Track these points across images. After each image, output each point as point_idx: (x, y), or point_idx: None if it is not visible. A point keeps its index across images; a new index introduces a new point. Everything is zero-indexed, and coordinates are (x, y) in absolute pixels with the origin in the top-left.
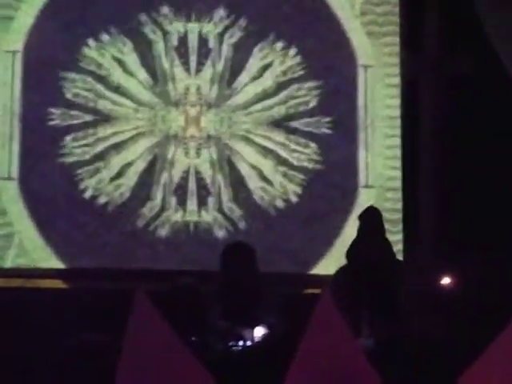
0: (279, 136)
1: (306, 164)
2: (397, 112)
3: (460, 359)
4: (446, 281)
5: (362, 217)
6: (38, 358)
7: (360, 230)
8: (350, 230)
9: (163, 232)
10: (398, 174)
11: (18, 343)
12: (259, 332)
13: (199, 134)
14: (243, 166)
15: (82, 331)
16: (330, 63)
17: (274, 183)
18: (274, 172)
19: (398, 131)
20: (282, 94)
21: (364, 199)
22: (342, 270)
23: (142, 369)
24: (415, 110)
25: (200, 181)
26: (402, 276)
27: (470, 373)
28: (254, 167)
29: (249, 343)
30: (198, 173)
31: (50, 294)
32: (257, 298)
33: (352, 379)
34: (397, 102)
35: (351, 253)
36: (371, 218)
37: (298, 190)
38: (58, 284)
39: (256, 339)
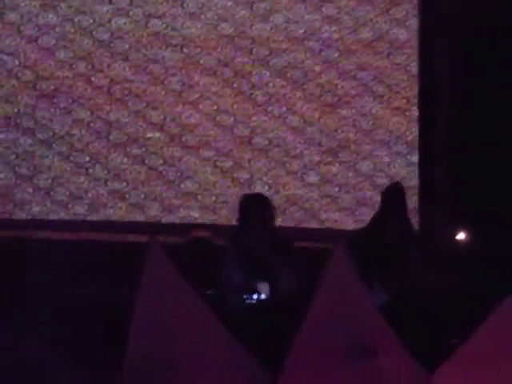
0: None
1: None
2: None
3: (473, 314)
4: (461, 236)
5: (385, 193)
6: (48, 308)
7: (383, 206)
8: None
9: None
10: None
11: (27, 293)
12: (266, 287)
13: None
14: None
15: (95, 283)
16: None
17: None
18: None
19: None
20: None
21: None
22: (360, 232)
23: (156, 320)
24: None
25: None
26: (416, 248)
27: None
28: None
29: (263, 297)
30: None
31: (59, 246)
32: (274, 250)
33: (365, 332)
34: None
35: (371, 227)
36: (395, 196)
37: None
38: (68, 235)
39: (267, 293)
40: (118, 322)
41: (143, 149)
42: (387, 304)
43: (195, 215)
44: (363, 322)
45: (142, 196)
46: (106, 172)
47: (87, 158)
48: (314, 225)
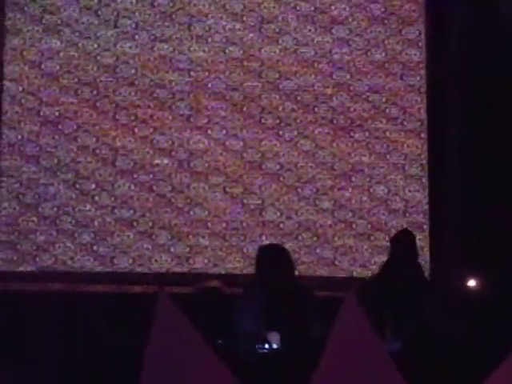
0: None
1: None
2: None
3: (485, 362)
4: (471, 283)
5: (395, 239)
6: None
7: (392, 253)
8: None
9: None
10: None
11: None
12: (277, 337)
13: None
14: None
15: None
16: None
17: None
18: None
19: None
20: None
21: None
22: (371, 280)
23: (166, 373)
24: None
25: None
26: (429, 294)
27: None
28: None
29: (274, 346)
30: None
31: (71, 298)
32: (290, 300)
33: (378, 382)
34: None
35: (382, 275)
36: (405, 243)
37: None
38: (79, 287)
39: (278, 343)
40: (127, 373)
41: (151, 175)
42: (400, 352)
43: (205, 243)
44: (376, 370)
45: (150, 224)
46: (112, 199)
47: (93, 186)
48: (327, 252)
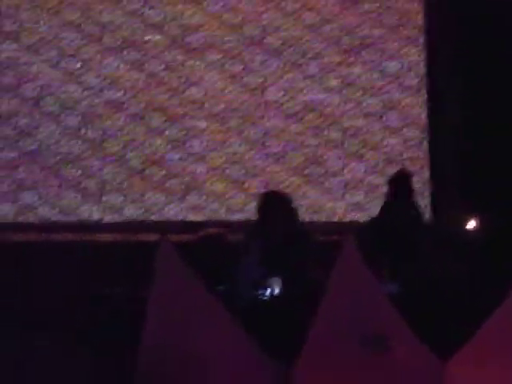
0: None
1: None
2: None
3: (485, 303)
4: (471, 224)
5: (393, 181)
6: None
7: (391, 195)
8: None
9: None
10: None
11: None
12: (279, 282)
13: None
14: None
15: (107, 284)
16: None
17: None
18: None
19: None
20: None
21: None
22: (369, 223)
23: (168, 316)
24: None
25: None
26: (427, 236)
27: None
28: None
29: (276, 292)
30: None
31: (68, 247)
32: (291, 247)
33: (378, 323)
34: None
35: (380, 217)
36: (402, 184)
37: None
38: (77, 237)
39: (280, 288)
40: (132, 320)
41: (141, 53)
42: (399, 293)
43: (202, 125)
44: (375, 312)
45: (142, 105)
46: (100, 79)
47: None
48: (334, 134)
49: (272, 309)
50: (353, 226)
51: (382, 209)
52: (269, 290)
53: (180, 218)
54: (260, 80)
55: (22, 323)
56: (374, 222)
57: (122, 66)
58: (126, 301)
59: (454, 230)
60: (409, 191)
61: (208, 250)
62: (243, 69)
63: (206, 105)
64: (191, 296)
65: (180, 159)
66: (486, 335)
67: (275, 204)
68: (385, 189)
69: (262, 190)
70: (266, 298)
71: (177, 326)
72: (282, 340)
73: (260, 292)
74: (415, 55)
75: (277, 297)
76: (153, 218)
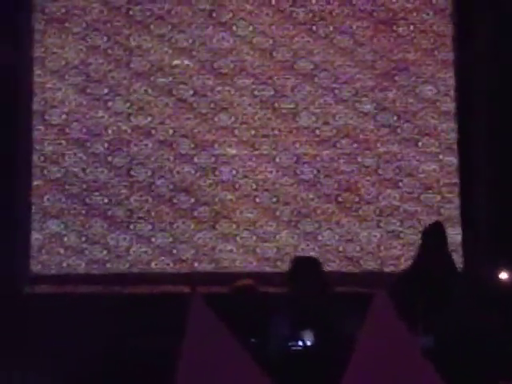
0: None
1: None
2: None
3: None
4: (503, 276)
5: (426, 232)
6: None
7: (424, 246)
8: None
9: None
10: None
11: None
12: (311, 335)
13: None
14: None
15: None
16: None
17: None
18: None
19: None
20: None
21: None
22: (402, 274)
23: (201, 374)
24: None
25: None
26: (461, 288)
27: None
28: None
29: (308, 344)
30: None
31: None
32: (323, 302)
33: (411, 379)
34: None
35: (413, 269)
36: (436, 236)
37: None
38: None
39: (312, 340)
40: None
41: (170, 78)
42: (434, 347)
43: (232, 152)
44: (409, 368)
45: (170, 132)
46: (128, 105)
47: (106, 90)
48: (368, 160)
49: (304, 361)
50: (385, 277)
51: (415, 260)
52: (301, 342)
53: (210, 246)
54: (291, 105)
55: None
56: (407, 273)
57: (150, 91)
58: (156, 355)
59: (487, 280)
60: (443, 242)
61: (241, 302)
62: (274, 94)
63: (236, 131)
64: (223, 351)
65: (209, 186)
66: None
67: (306, 274)
68: (421, 216)
69: (294, 218)
70: (298, 348)
71: (208, 381)
72: None
73: (292, 344)
74: (451, 79)
75: (309, 348)
76: (182, 246)
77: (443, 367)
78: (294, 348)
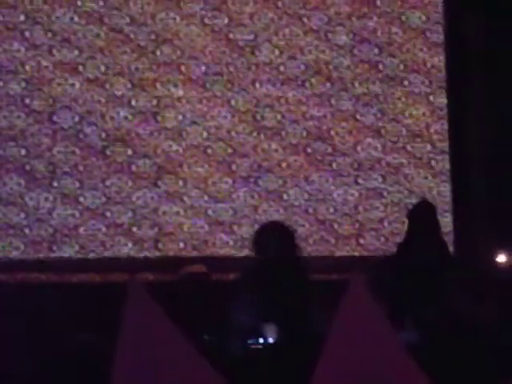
0: None
1: None
2: None
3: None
4: (501, 258)
5: (413, 214)
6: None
7: (412, 230)
8: None
9: None
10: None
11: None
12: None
13: None
14: None
15: (72, 330)
16: None
17: None
18: None
19: None
20: None
21: None
22: (385, 262)
23: (139, 371)
24: None
25: None
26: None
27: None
28: None
29: (270, 340)
30: None
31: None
32: (291, 289)
33: (389, 376)
34: None
35: (399, 254)
36: (424, 217)
37: None
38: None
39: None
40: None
41: None
42: (420, 343)
43: (178, 93)
44: (388, 366)
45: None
46: None
47: None
48: None
49: (265, 360)
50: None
51: (401, 246)
52: (262, 339)
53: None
54: (250, 36)
55: None
56: (391, 261)
57: (76, 18)
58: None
59: (481, 266)
60: (434, 226)
61: (191, 291)
62: (229, 22)
63: (183, 67)
64: (166, 347)
65: (150, 134)
66: None
67: (276, 237)
68: (407, 170)
69: (254, 173)
70: (258, 346)
71: (148, 375)
72: None
73: (252, 341)
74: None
75: (271, 346)
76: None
77: (435, 365)
78: (253, 346)
